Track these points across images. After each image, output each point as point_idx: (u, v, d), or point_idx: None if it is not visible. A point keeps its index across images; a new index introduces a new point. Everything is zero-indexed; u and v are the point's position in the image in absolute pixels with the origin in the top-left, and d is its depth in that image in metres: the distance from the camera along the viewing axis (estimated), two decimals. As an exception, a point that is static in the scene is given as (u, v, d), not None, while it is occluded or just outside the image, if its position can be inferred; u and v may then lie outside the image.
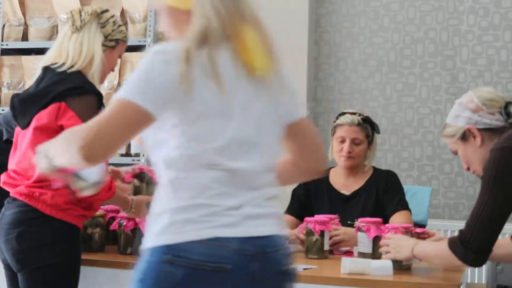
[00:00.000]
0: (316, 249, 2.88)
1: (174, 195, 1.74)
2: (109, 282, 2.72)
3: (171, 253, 1.69)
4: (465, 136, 2.43)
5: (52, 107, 2.51)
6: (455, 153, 2.51)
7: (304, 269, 2.60)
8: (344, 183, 3.32)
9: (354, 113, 3.27)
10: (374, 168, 3.34)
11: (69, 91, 2.50)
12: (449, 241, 2.34)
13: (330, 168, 3.40)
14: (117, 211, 3.01)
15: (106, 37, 2.68)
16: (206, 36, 1.74)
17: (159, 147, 1.77)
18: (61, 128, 2.45)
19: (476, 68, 4.69)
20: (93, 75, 2.62)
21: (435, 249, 2.46)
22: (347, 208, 3.22)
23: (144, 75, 1.71)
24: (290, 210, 3.32)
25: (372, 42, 4.89)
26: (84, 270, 2.61)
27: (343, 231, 3.02)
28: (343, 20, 4.94)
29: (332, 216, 3.04)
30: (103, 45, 2.66)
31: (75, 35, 2.65)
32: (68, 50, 2.63)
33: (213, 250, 1.70)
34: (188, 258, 1.68)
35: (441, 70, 4.77)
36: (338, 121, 3.29)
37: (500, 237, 2.36)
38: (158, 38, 4.69)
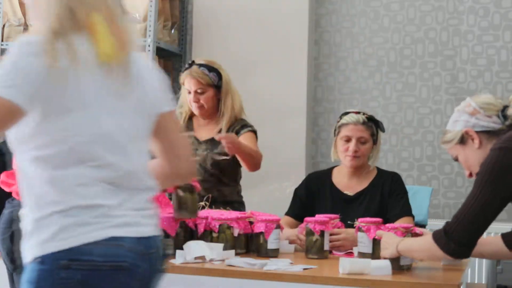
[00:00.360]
0: (316, 249, 2.88)
1: (56, 197, 1.69)
2: (109, 282, 2.72)
3: (67, 258, 1.66)
4: (463, 140, 2.45)
5: None
6: (456, 159, 2.52)
7: (304, 269, 2.60)
8: (347, 183, 3.30)
9: (358, 112, 3.26)
10: (378, 169, 3.32)
11: None
12: (433, 232, 2.36)
13: (333, 168, 3.39)
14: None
15: None
16: (58, 27, 1.71)
17: (25, 144, 1.71)
18: None
19: (476, 68, 4.69)
20: None
21: (419, 242, 2.48)
22: (350, 209, 3.20)
23: (11, 68, 1.65)
24: (291, 211, 3.31)
25: (372, 42, 4.89)
26: (84, 270, 2.61)
27: (343, 236, 3.01)
28: (343, 20, 4.94)
29: (332, 215, 3.04)
30: None
31: None
32: None
33: (110, 250, 1.70)
34: (86, 261, 1.67)
35: (441, 70, 4.77)
36: (343, 121, 3.26)
37: (483, 237, 2.37)
38: (158, 38, 4.69)
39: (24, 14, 5.00)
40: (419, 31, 4.81)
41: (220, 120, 3.57)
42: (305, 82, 4.79)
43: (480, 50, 4.69)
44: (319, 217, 2.95)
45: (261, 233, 2.90)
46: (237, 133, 3.52)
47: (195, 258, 2.72)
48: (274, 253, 2.90)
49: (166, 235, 2.80)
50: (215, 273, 2.59)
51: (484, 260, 4.37)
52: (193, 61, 3.57)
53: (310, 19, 4.87)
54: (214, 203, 3.31)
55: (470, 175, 2.50)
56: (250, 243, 2.99)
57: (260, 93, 4.76)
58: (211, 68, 3.54)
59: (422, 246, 2.43)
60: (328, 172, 3.38)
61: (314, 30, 4.95)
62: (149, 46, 4.58)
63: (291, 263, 2.71)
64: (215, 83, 3.53)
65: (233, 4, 4.90)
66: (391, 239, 2.58)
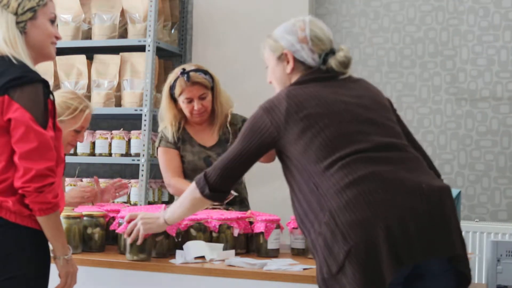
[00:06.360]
0: (316, 249, 2.89)
1: None
2: (109, 282, 2.71)
3: None
4: (281, 57, 2.48)
5: None
6: (266, 64, 2.56)
7: (304, 269, 2.60)
8: None
9: None
10: None
11: (10, 83, 2.30)
12: (197, 177, 2.50)
13: None
14: (117, 211, 3.01)
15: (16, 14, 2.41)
16: None
17: None
18: (8, 123, 2.28)
19: (476, 68, 4.69)
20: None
21: (183, 196, 2.57)
22: None
23: None
24: None
25: (372, 42, 4.90)
26: (84, 270, 2.60)
27: None
28: (343, 20, 4.94)
29: None
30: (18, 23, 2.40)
31: None
32: None
33: None
34: None
35: (441, 70, 4.77)
36: None
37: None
38: (158, 38, 4.70)
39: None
40: (419, 31, 4.81)
41: (215, 121, 3.54)
42: (305, 82, 4.79)
43: (480, 50, 4.69)
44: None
45: (261, 233, 2.90)
46: (240, 129, 3.52)
47: (195, 258, 2.72)
48: (274, 253, 2.90)
49: (166, 236, 2.80)
50: (215, 273, 2.59)
51: (484, 260, 4.38)
52: (184, 69, 3.51)
53: (310, 19, 4.86)
54: (232, 204, 3.32)
55: (270, 82, 2.57)
56: (250, 243, 2.99)
57: (261, 92, 4.75)
58: (205, 72, 3.51)
59: (186, 194, 2.54)
60: None
61: (314, 30, 4.95)
62: (149, 46, 4.58)
63: (291, 263, 2.71)
64: (212, 85, 3.52)
65: (233, 4, 4.90)
66: (151, 214, 2.69)
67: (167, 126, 3.55)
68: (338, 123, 2.29)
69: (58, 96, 3.16)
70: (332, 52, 2.44)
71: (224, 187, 2.47)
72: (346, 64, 2.43)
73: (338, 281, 2.12)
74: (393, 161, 2.26)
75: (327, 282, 2.15)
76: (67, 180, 4.61)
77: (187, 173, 3.56)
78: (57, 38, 2.49)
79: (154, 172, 4.59)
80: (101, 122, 5.00)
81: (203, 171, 2.50)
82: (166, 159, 3.55)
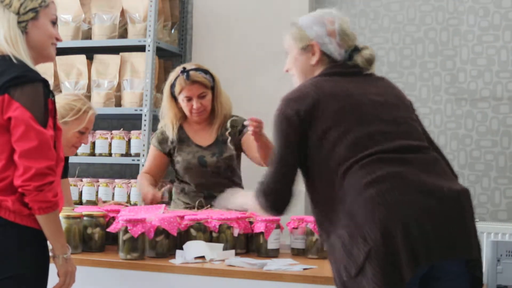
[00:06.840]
0: (316, 249, 2.89)
1: None
2: (109, 282, 2.71)
3: None
4: (307, 48, 2.43)
5: None
6: (287, 51, 2.49)
7: (304, 269, 2.60)
8: None
9: None
10: None
11: (10, 82, 2.30)
12: (256, 189, 2.37)
13: None
14: (117, 211, 3.01)
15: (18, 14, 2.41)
16: None
17: None
18: (9, 122, 2.29)
19: (476, 68, 4.69)
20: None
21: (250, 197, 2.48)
22: None
23: None
24: None
25: (372, 42, 4.89)
26: (84, 270, 2.61)
27: None
28: (343, 20, 4.94)
29: None
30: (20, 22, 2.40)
31: None
32: None
33: None
34: None
35: (441, 70, 4.77)
36: None
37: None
38: (158, 38, 4.70)
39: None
40: (419, 31, 4.81)
41: (215, 121, 3.56)
42: (305, 82, 4.79)
43: (480, 50, 4.69)
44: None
45: (261, 233, 2.90)
46: (240, 132, 3.52)
47: (195, 258, 2.72)
48: (274, 253, 2.90)
49: (167, 236, 2.80)
50: (215, 273, 2.60)
51: (484, 260, 4.38)
52: (184, 68, 3.53)
53: (310, 19, 4.86)
54: None
55: (287, 70, 2.50)
56: (250, 243, 2.99)
57: (261, 93, 4.76)
58: (206, 71, 3.54)
59: (254, 201, 2.42)
60: None
61: (314, 30, 4.95)
62: (149, 46, 4.58)
63: (291, 263, 2.71)
64: (212, 85, 3.53)
65: (233, 4, 4.90)
66: (242, 193, 2.70)
67: (167, 124, 3.60)
68: (363, 122, 2.27)
69: (61, 99, 3.19)
70: (357, 49, 2.43)
71: (286, 198, 2.33)
72: (371, 61, 2.43)
73: (357, 283, 2.09)
74: (414, 163, 2.24)
75: (346, 284, 2.13)
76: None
77: (180, 172, 3.59)
78: (58, 39, 2.50)
79: (154, 172, 4.59)
80: (101, 122, 5.00)
81: (256, 193, 2.37)
82: (150, 156, 3.70)
